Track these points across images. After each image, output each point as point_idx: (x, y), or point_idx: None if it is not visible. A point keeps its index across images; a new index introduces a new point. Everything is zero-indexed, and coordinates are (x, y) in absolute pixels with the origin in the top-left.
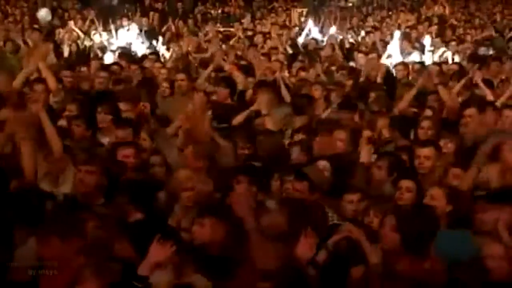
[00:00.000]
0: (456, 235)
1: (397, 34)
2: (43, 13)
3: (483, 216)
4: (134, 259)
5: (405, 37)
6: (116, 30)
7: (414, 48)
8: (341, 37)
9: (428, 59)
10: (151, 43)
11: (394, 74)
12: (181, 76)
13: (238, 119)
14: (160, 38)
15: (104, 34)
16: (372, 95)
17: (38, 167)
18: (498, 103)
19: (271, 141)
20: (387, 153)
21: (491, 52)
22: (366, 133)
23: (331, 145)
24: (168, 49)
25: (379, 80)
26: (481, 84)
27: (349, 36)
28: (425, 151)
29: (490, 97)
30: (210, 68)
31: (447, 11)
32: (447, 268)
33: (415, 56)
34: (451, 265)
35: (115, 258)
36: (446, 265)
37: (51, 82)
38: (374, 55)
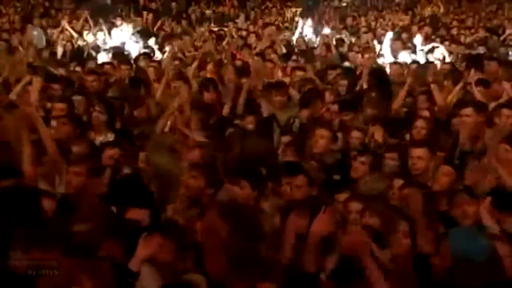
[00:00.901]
0: (469, 232)
1: (389, 34)
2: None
3: (467, 208)
4: (123, 258)
5: (397, 37)
6: (110, 30)
7: (406, 48)
8: (334, 37)
9: (420, 58)
10: (145, 43)
11: (388, 74)
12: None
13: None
14: (154, 38)
15: (98, 33)
16: (366, 96)
17: None
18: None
19: (259, 143)
20: (369, 150)
21: (482, 51)
22: (356, 134)
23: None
24: (162, 49)
25: (364, 83)
26: (474, 87)
27: (343, 35)
28: (419, 152)
29: (481, 100)
30: (195, 64)
31: (441, 11)
32: (461, 265)
33: (406, 56)
34: (463, 262)
35: (104, 258)
36: (459, 262)
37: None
38: (371, 54)
